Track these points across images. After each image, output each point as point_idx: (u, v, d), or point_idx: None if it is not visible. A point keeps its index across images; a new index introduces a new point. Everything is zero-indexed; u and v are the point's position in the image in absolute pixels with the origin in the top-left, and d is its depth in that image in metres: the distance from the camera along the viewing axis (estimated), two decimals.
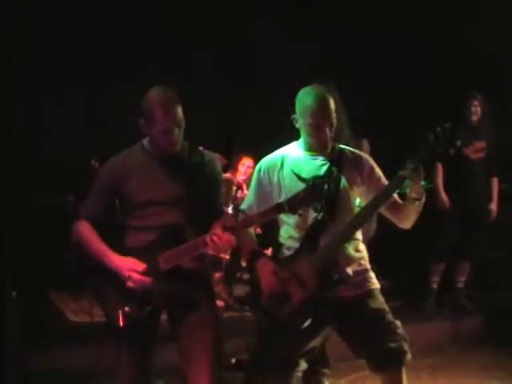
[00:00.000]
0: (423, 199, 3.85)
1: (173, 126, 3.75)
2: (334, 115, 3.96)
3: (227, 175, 7.01)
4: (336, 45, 7.94)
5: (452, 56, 7.86)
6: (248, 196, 4.18)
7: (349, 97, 4.04)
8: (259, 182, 4.09)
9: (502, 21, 7.46)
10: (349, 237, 3.90)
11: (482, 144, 7.15)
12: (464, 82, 7.39)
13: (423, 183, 3.77)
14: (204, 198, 3.87)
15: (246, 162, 7.50)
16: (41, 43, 6.51)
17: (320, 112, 3.92)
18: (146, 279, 3.65)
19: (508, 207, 7.52)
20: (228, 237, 3.65)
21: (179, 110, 3.78)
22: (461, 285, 7.42)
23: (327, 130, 3.94)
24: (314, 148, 4.02)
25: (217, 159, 4.02)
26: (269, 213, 3.74)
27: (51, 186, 6.96)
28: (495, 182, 7.28)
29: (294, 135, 4.12)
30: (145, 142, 3.94)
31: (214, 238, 3.64)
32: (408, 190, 3.79)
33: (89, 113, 6.89)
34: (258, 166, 4.14)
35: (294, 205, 3.64)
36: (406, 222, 3.98)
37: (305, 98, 3.98)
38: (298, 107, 4.01)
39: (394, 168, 3.83)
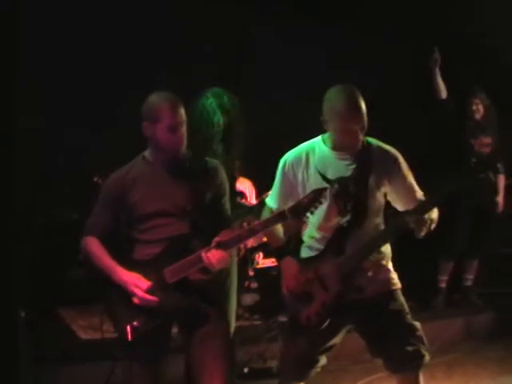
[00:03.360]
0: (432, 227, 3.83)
1: (179, 121, 3.76)
2: (366, 118, 3.79)
3: None
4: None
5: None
6: (273, 192, 4.10)
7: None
8: (284, 176, 4.00)
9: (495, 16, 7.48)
10: (375, 250, 3.86)
11: (488, 140, 7.10)
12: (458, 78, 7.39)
13: None
14: (209, 207, 3.86)
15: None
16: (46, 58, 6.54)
17: (352, 116, 3.75)
18: (150, 297, 3.64)
19: None
20: (220, 255, 3.62)
21: (183, 110, 3.80)
22: (469, 283, 7.39)
23: (359, 133, 3.79)
24: (342, 147, 3.89)
25: (220, 166, 3.99)
26: (272, 221, 3.70)
27: (56, 203, 6.96)
28: (501, 178, 7.23)
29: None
30: (146, 153, 3.93)
31: (209, 254, 3.62)
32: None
33: (92, 128, 6.88)
34: (282, 161, 4.02)
35: (296, 212, 3.60)
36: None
37: (335, 100, 3.81)
38: (326, 109, 3.85)
39: None
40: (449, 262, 7.27)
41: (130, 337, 3.66)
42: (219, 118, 4.77)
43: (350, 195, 3.83)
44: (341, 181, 3.85)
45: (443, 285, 7.30)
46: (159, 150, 3.83)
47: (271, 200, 4.08)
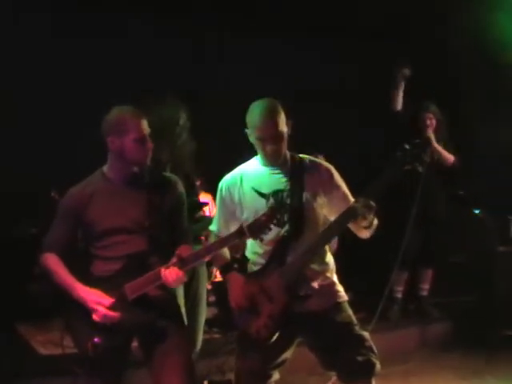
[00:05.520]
0: (374, 224, 3.89)
1: (146, 132, 3.82)
2: (284, 127, 3.89)
3: None
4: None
5: None
6: (215, 217, 4.17)
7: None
8: (222, 201, 4.09)
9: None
10: (314, 254, 3.91)
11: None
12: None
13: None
14: (168, 221, 3.90)
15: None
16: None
17: (266, 125, 3.86)
18: (112, 314, 3.66)
19: (467, 212, 7.63)
20: (177, 273, 3.66)
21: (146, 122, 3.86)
22: (425, 293, 7.44)
23: (277, 141, 3.88)
24: (270, 162, 3.99)
25: (178, 181, 4.04)
26: (229, 239, 3.74)
27: (13, 217, 6.93)
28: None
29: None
30: (105, 168, 3.95)
31: (167, 272, 3.66)
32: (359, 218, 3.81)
33: (49, 143, 6.87)
34: (219, 186, 4.11)
35: (255, 230, 3.65)
36: (362, 235, 4.00)
37: (252, 112, 3.94)
38: (247, 121, 3.98)
39: None
40: (402, 272, 7.25)
41: (91, 352, 3.66)
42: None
43: (285, 206, 3.91)
44: (275, 194, 3.94)
45: (399, 295, 7.35)
46: (124, 163, 3.86)
47: (214, 225, 4.16)
